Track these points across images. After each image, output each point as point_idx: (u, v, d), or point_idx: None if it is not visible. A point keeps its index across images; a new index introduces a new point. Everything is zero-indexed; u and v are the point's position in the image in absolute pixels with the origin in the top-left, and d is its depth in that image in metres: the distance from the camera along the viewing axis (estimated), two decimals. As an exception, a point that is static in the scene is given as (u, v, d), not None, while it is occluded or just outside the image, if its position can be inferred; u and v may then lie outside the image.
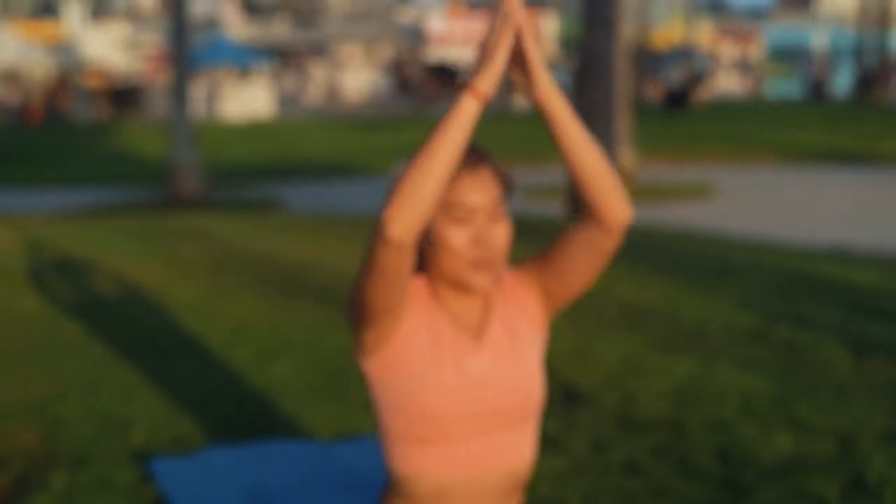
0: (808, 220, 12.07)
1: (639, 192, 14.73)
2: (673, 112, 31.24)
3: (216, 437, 3.63)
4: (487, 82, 1.70)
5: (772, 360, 4.46)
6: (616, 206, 1.84)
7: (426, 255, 1.94)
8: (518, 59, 1.76)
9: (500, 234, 1.90)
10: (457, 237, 1.87)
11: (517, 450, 1.94)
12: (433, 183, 1.72)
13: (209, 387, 4.23)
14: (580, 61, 11.53)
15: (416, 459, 1.91)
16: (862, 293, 5.81)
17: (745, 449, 3.37)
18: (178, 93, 14.45)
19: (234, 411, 3.92)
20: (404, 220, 1.73)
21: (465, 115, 1.71)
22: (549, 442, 3.50)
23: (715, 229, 9.82)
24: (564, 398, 3.95)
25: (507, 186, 1.97)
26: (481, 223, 1.89)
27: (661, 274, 6.36)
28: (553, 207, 12.63)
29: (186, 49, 14.51)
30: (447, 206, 1.89)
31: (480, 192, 1.89)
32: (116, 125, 27.75)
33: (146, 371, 4.47)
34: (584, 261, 1.91)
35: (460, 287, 1.93)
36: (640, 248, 7.61)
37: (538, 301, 1.99)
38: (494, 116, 29.00)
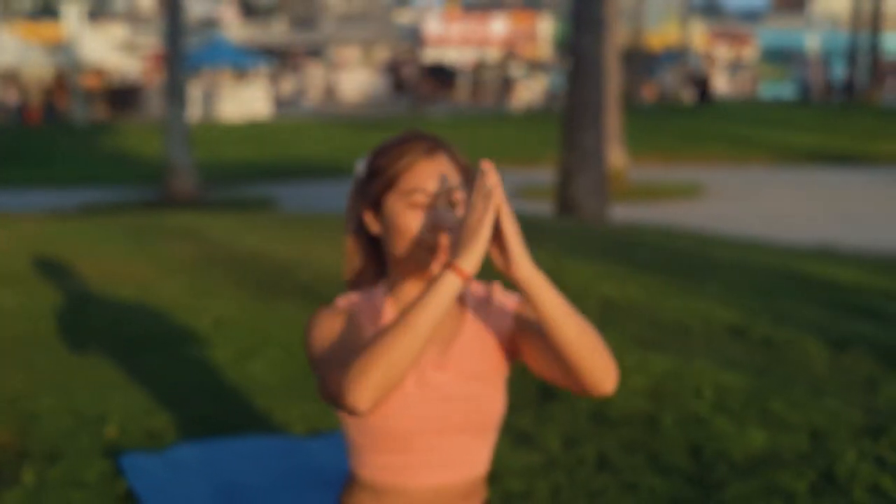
0: (799, 220, 12.10)
1: (630, 192, 14.76)
2: (705, 105, 31.49)
3: (190, 433, 3.62)
4: (471, 262, 1.68)
5: (750, 356, 4.46)
6: (600, 382, 1.78)
7: (385, 244, 1.94)
8: (496, 236, 1.72)
9: (459, 221, 1.90)
10: (415, 222, 1.87)
11: (479, 456, 1.96)
12: (409, 358, 1.70)
13: (186, 383, 4.22)
14: (570, 61, 11.52)
15: (380, 469, 1.92)
16: (843, 290, 5.82)
17: (717, 445, 3.37)
18: (174, 92, 14.43)
19: (209, 407, 3.91)
20: (375, 395, 1.70)
21: (447, 294, 1.69)
22: (521, 437, 3.50)
23: (704, 229, 9.83)
24: (539, 393, 3.94)
25: (466, 175, 1.97)
26: (440, 209, 1.88)
27: (644, 270, 6.36)
28: (543, 206, 12.64)
29: (182, 49, 14.49)
30: (405, 192, 1.88)
31: (439, 177, 1.89)
32: (115, 125, 27.75)
33: (124, 367, 4.46)
34: (550, 374, 1.88)
35: (421, 275, 1.93)
36: (624, 245, 7.61)
37: (512, 335, 1.97)
38: (491, 118, 29.06)
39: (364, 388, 1.69)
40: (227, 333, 4.98)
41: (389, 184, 1.88)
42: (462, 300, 2.00)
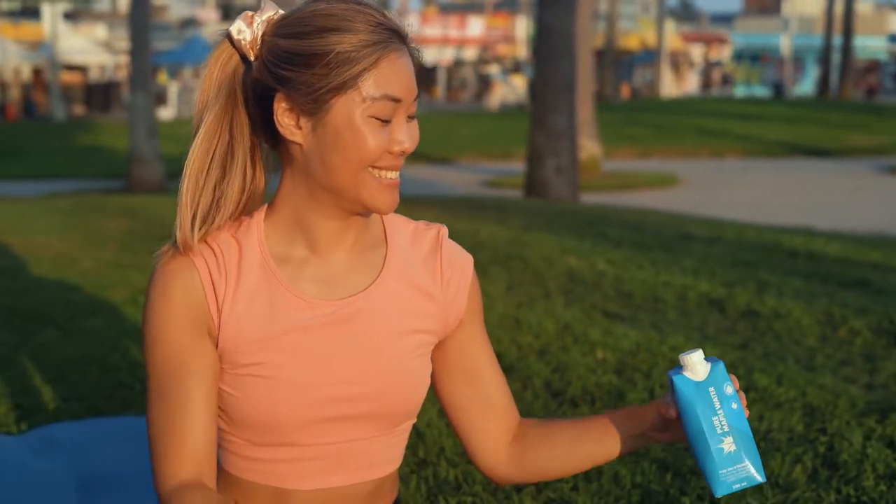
0: (773, 208, 11.73)
1: (603, 181, 14.30)
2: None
3: (67, 413, 3.04)
4: None
5: (731, 329, 3.93)
6: (500, 474, 1.52)
7: (305, 159, 1.35)
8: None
9: (416, 137, 1.38)
10: (373, 138, 1.31)
11: (388, 452, 1.42)
12: None
13: (83, 358, 3.63)
14: (538, 38, 10.97)
15: (250, 464, 1.38)
16: (831, 263, 5.31)
17: (696, 425, 2.82)
18: (138, 82, 14.14)
19: (103, 384, 3.33)
20: None
21: None
22: (464, 417, 2.94)
23: (678, 211, 9.34)
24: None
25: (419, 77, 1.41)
26: (400, 123, 1.35)
27: (615, 244, 5.83)
28: (512, 194, 12.17)
29: (147, 39, 14.17)
30: (369, 98, 1.30)
31: (410, 79, 1.35)
32: (91, 121, 27.52)
33: (17, 341, 3.87)
34: (455, 414, 1.52)
35: (347, 210, 1.37)
36: (593, 221, 7.09)
37: (453, 321, 1.46)
38: (467, 115, 28.67)
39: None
40: (141, 305, 4.40)
41: (349, 81, 1.30)
42: (381, 232, 1.46)
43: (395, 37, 1.34)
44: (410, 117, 1.36)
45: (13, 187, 14.33)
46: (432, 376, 1.48)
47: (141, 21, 14.00)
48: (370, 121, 1.31)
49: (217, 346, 1.37)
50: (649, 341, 3.60)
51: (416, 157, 17.69)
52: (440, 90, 42.67)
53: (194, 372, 1.35)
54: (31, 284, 4.92)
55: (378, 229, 1.45)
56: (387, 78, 1.31)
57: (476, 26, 46.56)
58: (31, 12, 39.20)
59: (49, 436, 2.67)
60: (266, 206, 1.43)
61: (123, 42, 39.83)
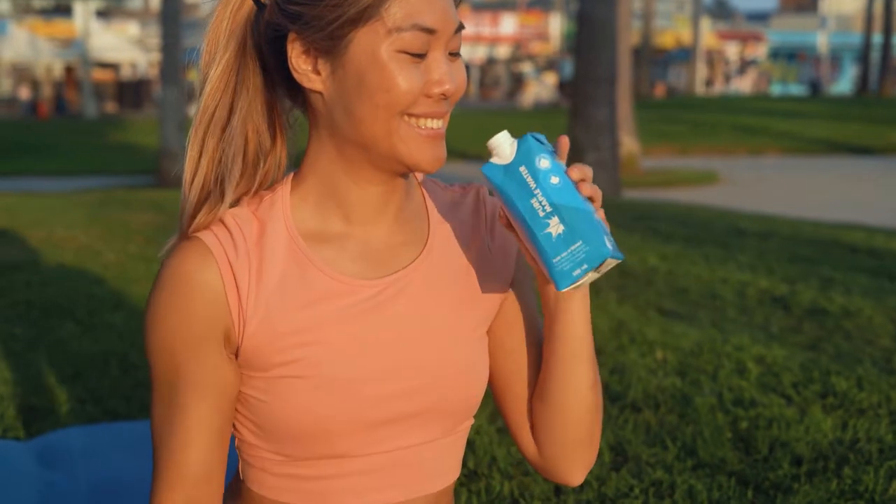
0: (815, 205, 11.38)
1: (642, 178, 14.00)
2: None
3: (82, 415, 2.81)
4: None
5: (797, 328, 3.65)
6: (571, 463, 1.23)
7: (330, 111, 1.12)
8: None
9: (462, 79, 1.14)
10: (404, 77, 1.09)
11: (445, 464, 1.20)
12: None
13: (102, 355, 3.41)
14: (578, 30, 10.67)
15: (287, 484, 1.16)
16: (892, 259, 5.00)
17: (773, 434, 2.54)
18: (169, 78, 14.07)
19: (122, 384, 3.10)
20: None
21: None
22: (514, 422, 2.67)
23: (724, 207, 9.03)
24: (539, 370, 3.13)
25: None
26: (437, 60, 1.11)
27: (665, 238, 5.55)
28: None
29: (179, 36, 14.08)
30: (395, 29, 1.06)
31: (445, 9, 1.11)
32: (122, 119, 27.58)
33: (33, 336, 3.66)
34: (502, 399, 1.27)
35: (395, 168, 1.13)
36: (641, 214, 6.81)
37: (505, 286, 1.25)
38: (500, 112, 28.45)
39: None
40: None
41: (369, 10, 1.07)
42: (420, 197, 1.24)
43: None
44: (453, 55, 1.13)
45: (43, 183, 14.30)
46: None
47: (172, 16, 13.97)
48: (399, 56, 1.08)
49: (239, 349, 1.15)
50: (711, 341, 3.33)
51: (451, 154, 17.47)
52: (473, 88, 42.52)
53: (199, 385, 1.13)
54: (51, 278, 4.72)
55: (417, 194, 1.25)
56: (416, 4, 1.08)
57: (509, 24, 46.36)
58: (64, 10, 39.44)
59: (59, 442, 2.42)
60: (291, 176, 1.21)
61: (155, 40, 40.04)
